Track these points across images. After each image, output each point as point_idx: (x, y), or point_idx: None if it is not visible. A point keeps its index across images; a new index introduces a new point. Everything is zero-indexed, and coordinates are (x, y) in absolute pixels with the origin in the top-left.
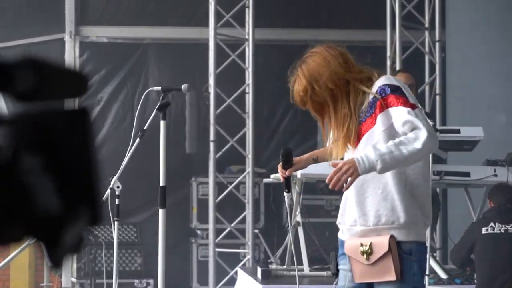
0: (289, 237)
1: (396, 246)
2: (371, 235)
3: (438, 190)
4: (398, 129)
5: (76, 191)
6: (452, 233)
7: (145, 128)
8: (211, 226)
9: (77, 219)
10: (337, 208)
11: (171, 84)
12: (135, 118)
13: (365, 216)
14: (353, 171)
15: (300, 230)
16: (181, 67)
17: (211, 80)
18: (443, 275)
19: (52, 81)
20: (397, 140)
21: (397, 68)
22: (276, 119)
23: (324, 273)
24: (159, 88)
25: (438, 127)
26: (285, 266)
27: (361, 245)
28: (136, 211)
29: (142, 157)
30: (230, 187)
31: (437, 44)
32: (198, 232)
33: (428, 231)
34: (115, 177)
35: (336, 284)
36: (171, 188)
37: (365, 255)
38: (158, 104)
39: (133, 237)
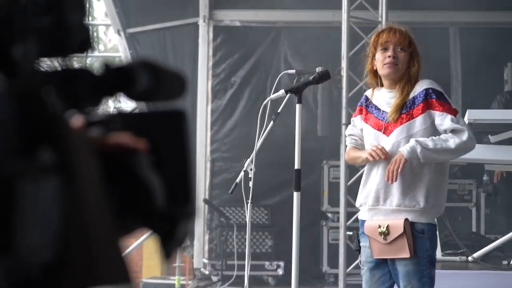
0: None
1: (410, 227)
2: (391, 215)
3: None
4: (440, 130)
5: (176, 190)
6: None
7: (278, 111)
8: (342, 209)
9: (186, 216)
10: (470, 193)
11: (303, 67)
12: (268, 101)
13: (391, 197)
14: (401, 159)
15: None
16: (313, 50)
17: (344, 63)
18: None
19: (163, 83)
20: (442, 136)
21: None
22: None
23: (457, 258)
24: (293, 71)
25: None
26: None
27: (379, 226)
28: (268, 194)
29: (275, 140)
30: (361, 171)
31: None
32: (329, 215)
33: None
34: (248, 160)
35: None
36: (302, 171)
37: (382, 236)
38: (293, 86)
39: (264, 219)
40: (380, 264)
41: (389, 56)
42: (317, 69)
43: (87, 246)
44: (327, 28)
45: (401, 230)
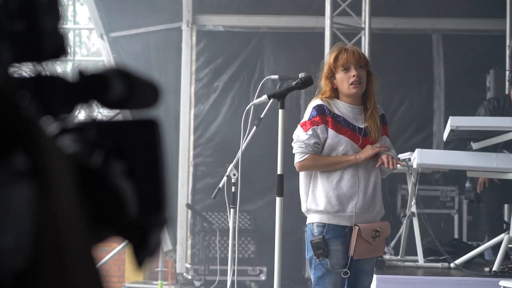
0: (403, 228)
1: None
2: (372, 221)
3: None
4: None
5: (149, 198)
6: None
7: (261, 116)
8: None
9: (158, 225)
10: (452, 200)
11: (286, 73)
12: (252, 106)
13: (373, 206)
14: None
15: (415, 221)
16: (296, 56)
17: None
18: None
19: (137, 91)
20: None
21: None
22: (392, 109)
23: (439, 264)
24: (276, 76)
25: None
26: (399, 257)
27: (373, 229)
28: (250, 199)
29: (257, 146)
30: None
31: None
32: None
33: None
34: (231, 165)
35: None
36: (285, 176)
37: (375, 238)
38: (276, 92)
39: (246, 224)
40: (345, 266)
41: (354, 76)
42: (300, 74)
43: (59, 252)
44: (311, 34)
45: (389, 232)
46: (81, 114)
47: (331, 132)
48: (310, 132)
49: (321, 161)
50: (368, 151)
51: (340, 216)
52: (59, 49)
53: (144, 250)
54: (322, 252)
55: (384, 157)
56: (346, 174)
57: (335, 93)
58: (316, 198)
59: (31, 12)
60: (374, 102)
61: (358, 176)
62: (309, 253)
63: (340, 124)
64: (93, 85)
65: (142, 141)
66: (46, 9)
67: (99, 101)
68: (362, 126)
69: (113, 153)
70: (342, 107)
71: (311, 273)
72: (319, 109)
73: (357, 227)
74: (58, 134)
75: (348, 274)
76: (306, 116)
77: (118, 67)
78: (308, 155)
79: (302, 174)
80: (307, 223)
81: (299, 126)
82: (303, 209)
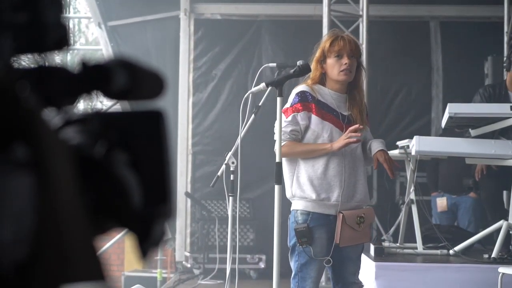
0: (402, 215)
1: None
2: (356, 208)
3: None
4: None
5: (153, 189)
6: None
7: (260, 104)
8: None
9: (163, 215)
10: None
11: (284, 61)
12: (250, 94)
13: (356, 195)
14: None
15: (414, 208)
16: (294, 44)
17: None
18: None
19: (141, 83)
20: None
21: None
22: (390, 96)
23: (438, 251)
24: (274, 64)
25: None
26: (398, 244)
27: (357, 216)
28: (249, 187)
29: (256, 134)
30: None
31: None
32: None
33: None
34: (230, 153)
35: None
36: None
37: (360, 224)
38: (274, 80)
39: (245, 212)
40: (328, 254)
41: (345, 64)
42: (298, 62)
43: (60, 243)
44: (308, 21)
45: (374, 218)
46: (84, 105)
47: (315, 118)
48: (289, 119)
49: (298, 148)
50: (341, 141)
51: (325, 205)
52: (62, 40)
53: (148, 241)
54: (306, 240)
55: (381, 158)
56: (332, 162)
57: (322, 78)
58: (301, 185)
59: (34, 4)
60: (361, 92)
61: (344, 164)
62: (291, 240)
63: (324, 111)
64: (96, 76)
65: (147, 132)
66: (49, 1)
67: (102, 92)
68: (345, 113)
69: (117, 144)
70: (326, 94)
71: (292, 260)
72: (302, 95)
73: (341, 214)
74: (61, 125)
75: (331, 263)
76: (288, 103)
77: (121, 58)
78: (285, 142)
79: (285, 160)
80: (291, 209)
81: (282, 112)
82: (288, 195)
